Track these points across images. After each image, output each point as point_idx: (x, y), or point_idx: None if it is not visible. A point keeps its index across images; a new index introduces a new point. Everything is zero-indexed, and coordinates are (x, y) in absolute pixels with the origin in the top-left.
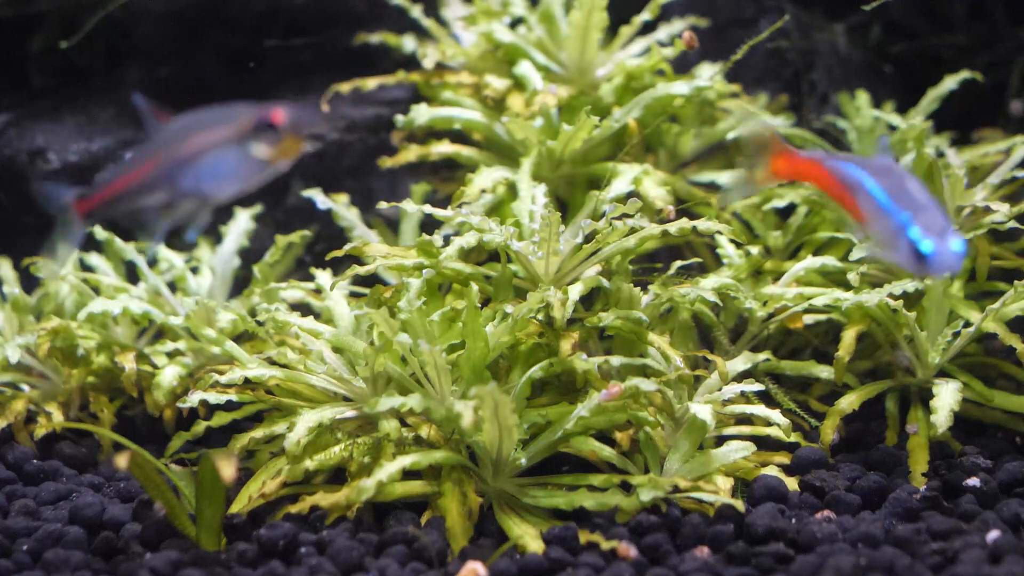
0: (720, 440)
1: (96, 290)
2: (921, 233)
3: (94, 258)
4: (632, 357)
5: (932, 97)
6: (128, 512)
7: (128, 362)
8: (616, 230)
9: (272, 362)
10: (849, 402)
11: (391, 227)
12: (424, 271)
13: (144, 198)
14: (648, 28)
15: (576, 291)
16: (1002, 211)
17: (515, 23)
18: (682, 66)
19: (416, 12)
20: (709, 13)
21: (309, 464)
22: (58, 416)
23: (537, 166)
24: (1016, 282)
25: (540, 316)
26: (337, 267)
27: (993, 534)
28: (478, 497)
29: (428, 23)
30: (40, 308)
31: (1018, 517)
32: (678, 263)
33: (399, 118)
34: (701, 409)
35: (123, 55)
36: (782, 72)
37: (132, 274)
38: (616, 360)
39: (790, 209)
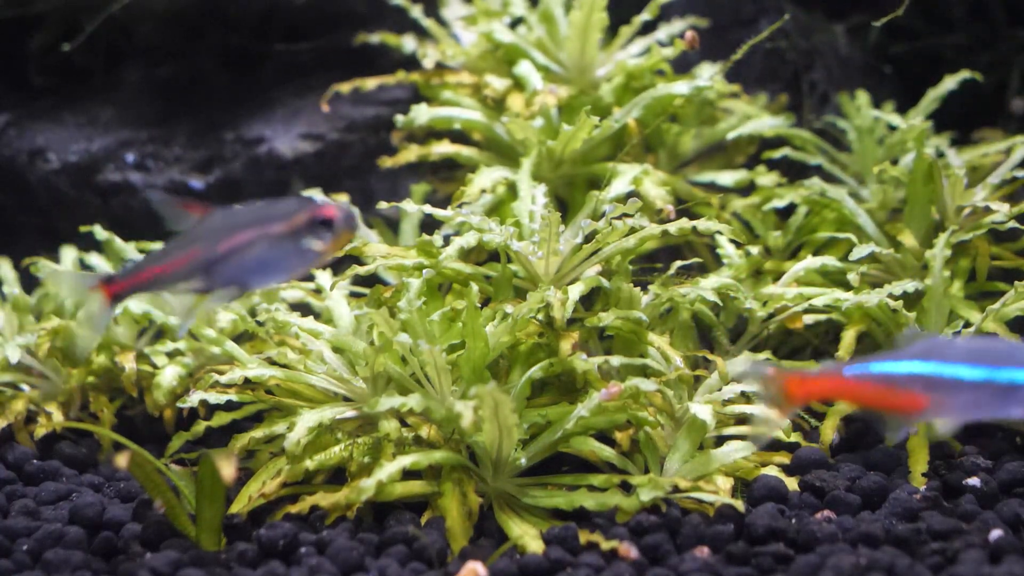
0: (720, 440)
1: None
2: None
3: (94, 258)
4: (632, 357)
5: (932, 97)
6: (128, 512)
7: (128, 362)
8: (616, 230)
9: (272, 362)
10: None
11: (391, 227)
12: (424, 271)
13: (179, 285)
14: (648, 28)
15: (576, 291)
16: (1002, 211)
17: (515, 23)
18: (682, 66)
19: (416, 12)
20: (709, 13)
21: (309, 464)
22: (58, 416)
23: (537, 166)
24: (1016, 282)
25: (540, 316)
26: (337, 267)
27: (994, 534)
28: (478, 497)
29: (428, 23)
30: (40, 308)
31: (1018, 517)
32: (678, 263)
33: (399, 118)
34: (701, 409)
35: (123, 55)
36: (782, 72)
37: None
38: (616, 360)
39: (790, 209)
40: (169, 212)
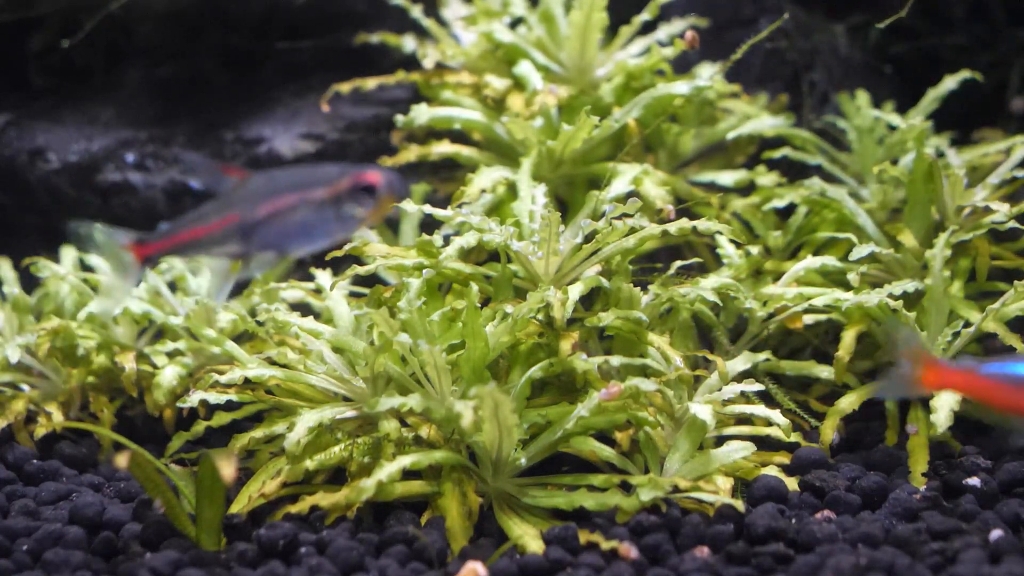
0: (720, 440)
1: (96, 290)
2: None
3: (94, 258)
4: (632, 357)
5: (932, 97)
6: (128, 512)
7: (128, 362)
8: (616, 230)
9: (272, 362)
10: (849, 402)
11: (391, 227)
12: (424, 271)
13: (215, 249)
14: (648, 28)
15: (576, 291)
16: (1002, 211)
17: (515, 23)
18: (682, 66)
19: (416, 12)
20: (709, 13)
21: (309, 464)
22: (58, 416)
23: (537, 166)
24: (1016, 282)
25: (540, 316)
26: (337, 267)
27: (994, 534)
28: (478, 497)
29: (428, 23)
30: (40, 308)
31: (1018, 517)
32: (678, 263)
33: (399, 118)
34: (701, 409)
35: (123, 55)
36: (782, 72)
37: None
38: (616, 360)
39: (790, 209)
40: (208, 175)
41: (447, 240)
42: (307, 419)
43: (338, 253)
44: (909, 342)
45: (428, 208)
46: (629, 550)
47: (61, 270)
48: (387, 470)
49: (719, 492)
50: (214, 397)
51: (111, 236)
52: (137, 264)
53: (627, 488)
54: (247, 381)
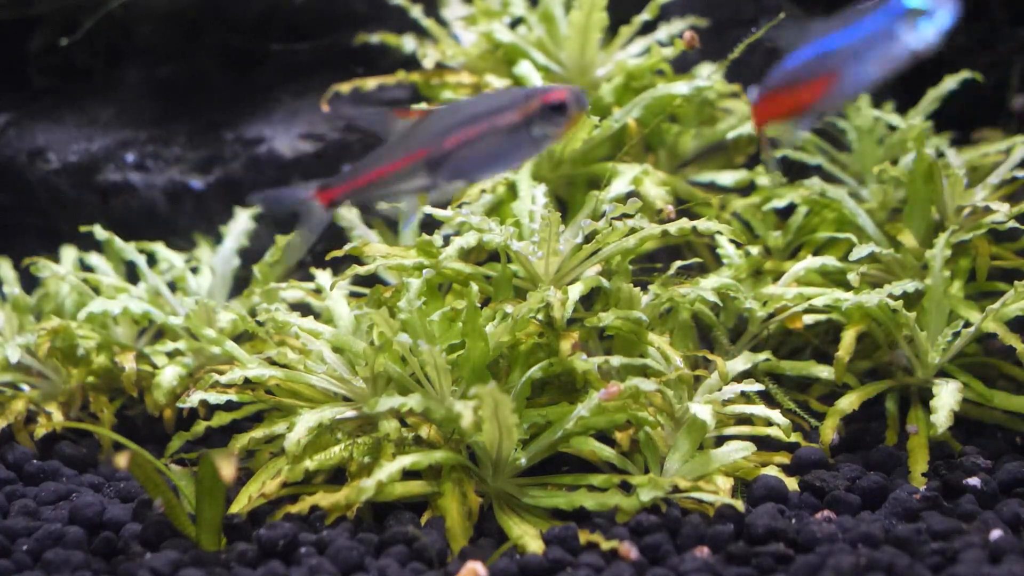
0: (720, 440)
1: (96, 290)
2: None
3: (94, 258)
4: (632, 357)
5: (932, 97)
6: (128, 512)
7: (128, 362)
8: (616, 230)
9: (272, 362)
10: (849, 402)
11: (391, 227)
12: (424, 271)
13: (399, 186)
14: (648, 28)
15: (576, 291)
16: (1002, 211)
17: (515, 23)
18: (682, 66)
19: (416, 12)
20: (708, 13)
21: (309, 464)
22: (58, 416)
23: (537, 166)
24: (1016, 282)
25: (540, 316)
26: (337, 267)
27: (994, 534)
28: (478, 497)
29: (428, 23)
30: (40, 308)
31: (1018, 517)
32: (678, 263)
33: None
34: (701, 409)
35: (123, 55)
36: None
37: (132, 274)
38: (616, 360)
39: (790, 209)
40: (384, 124)
41: (447, 240)
42: (307, 419)
43: (338, 253)
44: None
45: (428, 208)
46: (629, 550)
47: (61, 270)
48: (387, 470)
49: (719, 492)
50: (214, 397)
51: (293, 192)
52: (323, 209)
53: (627, 488)
54: (247, 381)
